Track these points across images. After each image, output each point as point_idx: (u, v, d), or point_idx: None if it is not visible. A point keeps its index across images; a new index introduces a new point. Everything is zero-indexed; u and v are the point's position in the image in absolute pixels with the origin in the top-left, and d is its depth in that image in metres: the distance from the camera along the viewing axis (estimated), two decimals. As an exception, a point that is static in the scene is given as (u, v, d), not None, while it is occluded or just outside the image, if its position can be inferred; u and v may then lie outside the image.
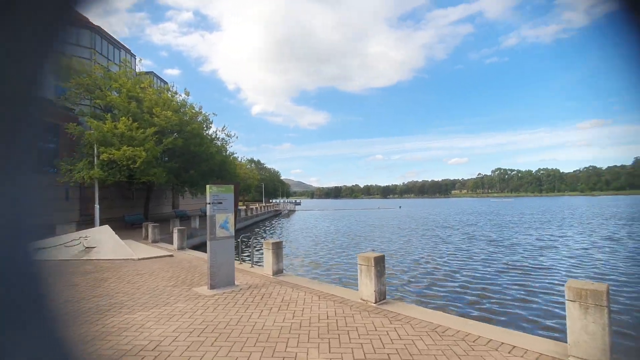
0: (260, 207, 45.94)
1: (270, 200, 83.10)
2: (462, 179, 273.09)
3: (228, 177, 24.78)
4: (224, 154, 25.84)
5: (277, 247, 7.54)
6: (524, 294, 8.97)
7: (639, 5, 0.60)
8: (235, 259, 7.51)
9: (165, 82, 30.05)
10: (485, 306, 8.12)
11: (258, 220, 36.65)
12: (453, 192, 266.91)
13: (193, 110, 21.91)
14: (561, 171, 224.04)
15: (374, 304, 5.18)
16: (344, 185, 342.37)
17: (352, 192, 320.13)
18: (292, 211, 61.57)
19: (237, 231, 26.29)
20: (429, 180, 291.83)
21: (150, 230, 14.24)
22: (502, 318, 7.22)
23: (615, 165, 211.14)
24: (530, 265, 12.56)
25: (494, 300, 8.51)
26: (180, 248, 12.09)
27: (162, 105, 18.57)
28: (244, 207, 49.88)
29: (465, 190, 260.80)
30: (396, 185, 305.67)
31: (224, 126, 26.53)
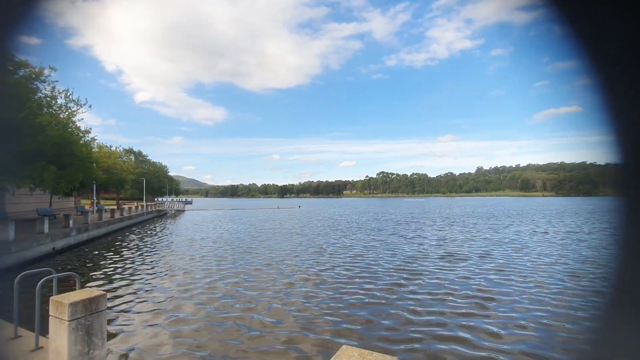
0: (138, 207, 37.39)
1: (155, 199, 71.14)
2: (352, 180, 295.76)
3: (73, 163, 17.59)
4: (69, 130, 18.23)
5: (90, 313, 3.59)
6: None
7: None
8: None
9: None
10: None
11: (130, 224, 28.96)
12: (345, 192, 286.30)
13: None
14: (428, 176, 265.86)
15: None
16: (241, 184, 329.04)
17: (249, 191, 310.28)
18: (180, 211, 53.10)
19: (88, 241, 19.28)
20: (324, 180, 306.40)
21: None
22: None
23: (464, 172, 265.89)
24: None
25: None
26: None
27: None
28: (114, 206, 40.03)
29: (355, 191, 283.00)
30: (293, 185, 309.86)
31: (67, 89, 18.26)
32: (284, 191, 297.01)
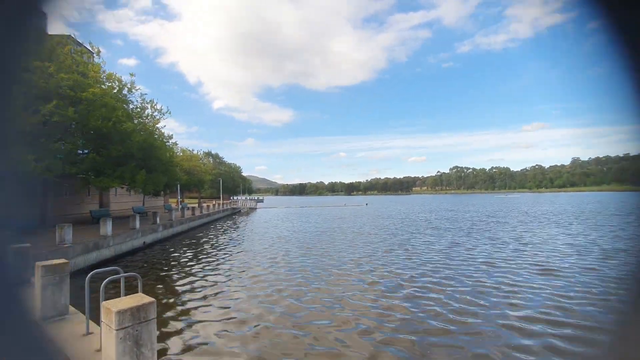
0: (216, 205, 40.56)
1: (231, 197, 76.96)
2: (422, 176, 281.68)
3: (157, 166, 19.41)
4: (154, 136, 20.23)
5: (138, 322, 3.27)
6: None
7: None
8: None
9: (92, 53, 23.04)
10: None
11: (208, 221, 31.35)
12: (414, 189, 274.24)
13: (97, 70, 15.75)
14: (511, 170, 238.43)
15: None
16: (309, 182, 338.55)
17: (317, 189, 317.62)
18: (252, 209, 56.37)
19: (172, 236, 20.98)
20: (392, 177, 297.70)
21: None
22: None
23: (556, 165, 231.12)
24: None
25: None
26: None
27: (48, 58, 12.89)
28: (196, 204, 44.18)
29: (425, 187, 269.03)
30: (360, 182, 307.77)
31: (153, 100, 21.01)
32: (351, 188, 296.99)
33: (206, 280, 10.78)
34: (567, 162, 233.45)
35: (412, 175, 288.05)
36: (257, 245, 17.72)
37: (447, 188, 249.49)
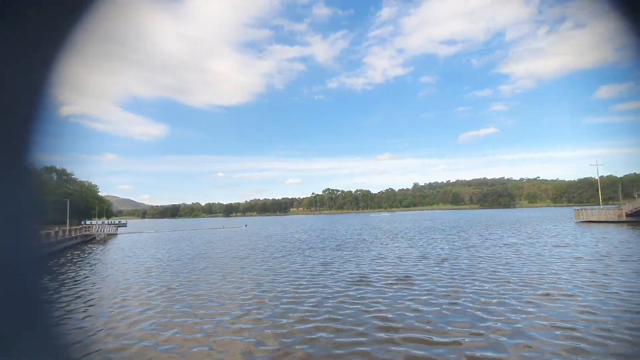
0: (59, 232, 33.28)
1: (83, 222, 63.52)
2: (299, 197, 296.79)
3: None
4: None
5: None
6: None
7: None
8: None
9: None
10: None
11: (44, 254, 25.68)
12: (292, 209, 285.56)
13: None
14: (371, 192, 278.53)
15: None
16: (183, 204, 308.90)
17: (192, 211, 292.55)
18: (112, 235, 48.22)
19: None
20: (270, 198, 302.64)
21: None
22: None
23: (403, 188, 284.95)
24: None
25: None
26: None
27: None
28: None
29: (302, 208, 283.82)
30: (239, 203, 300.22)
31: None
32: (230, 210, 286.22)
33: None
34: (410, 186, 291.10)
35: (290, 197, 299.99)
36: (109, 282, 14.37)
37: (321, 208, 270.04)
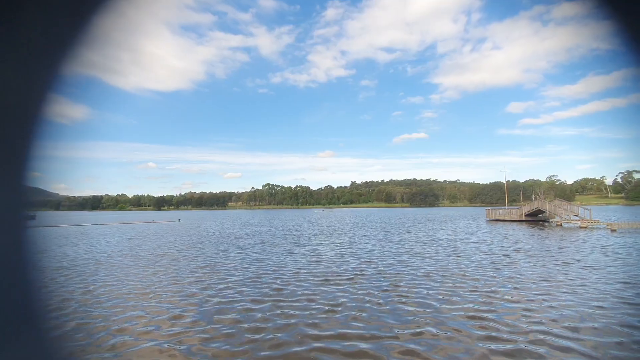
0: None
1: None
2: (238, 191, 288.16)
3: None
4: None
5: None
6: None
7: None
8: None
9: None
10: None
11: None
12: (230, 204, 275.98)
13: None
14: (311, 188, 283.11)
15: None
16: (106, 195, 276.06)
17: (117, 203, 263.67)
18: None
19: None
20: (207, 192, 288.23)
21: None
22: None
23: (341, 186, 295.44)
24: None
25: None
26: None
27: None
28: None
29: (240, 202, 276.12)
30: (172, 196, 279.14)
31: None
32: (162, 202, 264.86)
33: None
34: (348, 184, 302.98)
35: (228, 191, 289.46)
36: None
37: (260, 203, 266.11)
